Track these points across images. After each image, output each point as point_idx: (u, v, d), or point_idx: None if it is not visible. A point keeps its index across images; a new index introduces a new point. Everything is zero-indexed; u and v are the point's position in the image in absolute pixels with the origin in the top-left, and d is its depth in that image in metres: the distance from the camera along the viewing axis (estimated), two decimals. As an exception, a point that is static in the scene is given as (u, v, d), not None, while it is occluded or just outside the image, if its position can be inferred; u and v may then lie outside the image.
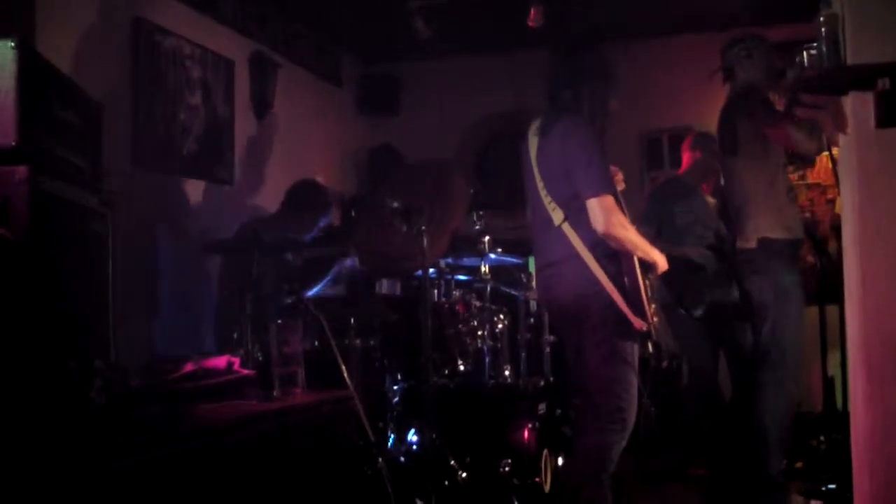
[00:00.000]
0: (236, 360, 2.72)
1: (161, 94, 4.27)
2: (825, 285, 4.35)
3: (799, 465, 4.45)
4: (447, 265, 4.28)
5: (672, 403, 5.09)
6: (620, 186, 3.26)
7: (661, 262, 3.21)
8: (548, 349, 4.57)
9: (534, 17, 5.08)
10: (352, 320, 3.76)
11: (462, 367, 3.97)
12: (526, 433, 3.76)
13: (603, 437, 3.08)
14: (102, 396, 2.05)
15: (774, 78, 3.84)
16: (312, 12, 5.61)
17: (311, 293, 3.94)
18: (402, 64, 6.68)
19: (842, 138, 2.98)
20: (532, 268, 4.19)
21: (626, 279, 3.05)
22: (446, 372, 3.95)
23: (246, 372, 2.69)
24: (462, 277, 4.50)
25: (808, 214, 5.74)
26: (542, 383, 4.25)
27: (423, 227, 3.27)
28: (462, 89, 6.50)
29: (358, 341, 3.68)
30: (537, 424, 3.82)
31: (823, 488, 3.94)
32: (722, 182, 4.18)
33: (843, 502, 3.58)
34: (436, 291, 4.17)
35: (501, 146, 6.55)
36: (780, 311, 3.71)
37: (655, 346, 4.79)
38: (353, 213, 4.74)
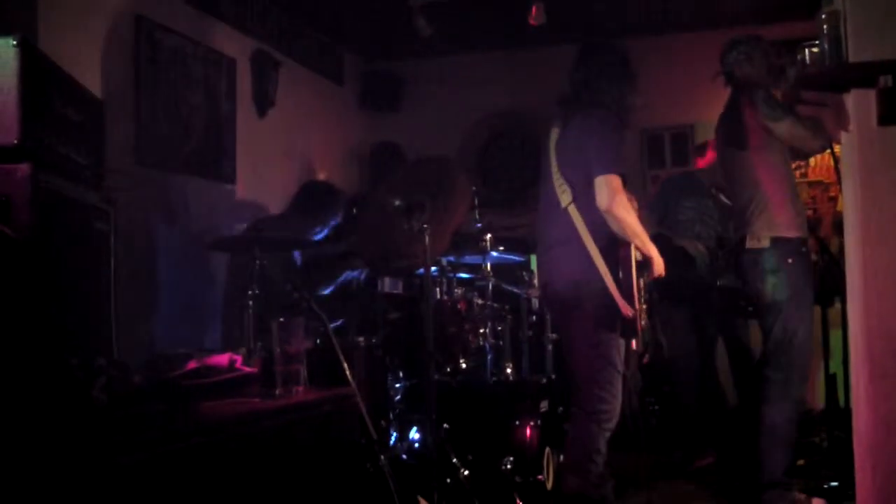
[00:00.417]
0: (238, 358, 2.72)
1: (163, 92, 4.26)
2: (827, 283, 4.34)
3: (801, 462, 4.44)
4: (449, 263, 4.28)
5: (672, 400, 5.09)
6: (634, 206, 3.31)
7: (658, 261, 3.26)
8: (550, 347, 4.57)
9: (535, 15, 5.07)
10: (354, 318, 3.76)
11: (464, 365, 3.98)
12: (528, 431, 3.76)
13: (586, 426, 3.23)
14: (104, 394, 2.05)
15: (776, 77, 3.82)
16: (314, 10, 5.61)
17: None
18: (403, 62, 6.69)
19: (844, 136, 2.98)
20: (534, 265, 4.19)
21: (620, 270, 3.16)
22: (448, 370, 3.95)
23: (248, 370, 2.69)
24: (464, 275, 4.51)
25: (810, 212, 5.74)
26: (544, 381, 4.25)
27: (426, 225, 3.27)
28: (463, 87, 6.49)
29: (360, 339, 3.67)
30: (539, 422, 3.82)
31: (825, 485, 3.93)
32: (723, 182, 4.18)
33: (845, 499, 3.57)
34: (438, 289, 4.17)
35: (503, 144, 6.55)
36: (792, 310, 3.67)
37: (655, 343, 4.79)
38: (354, 211, 4.73)
